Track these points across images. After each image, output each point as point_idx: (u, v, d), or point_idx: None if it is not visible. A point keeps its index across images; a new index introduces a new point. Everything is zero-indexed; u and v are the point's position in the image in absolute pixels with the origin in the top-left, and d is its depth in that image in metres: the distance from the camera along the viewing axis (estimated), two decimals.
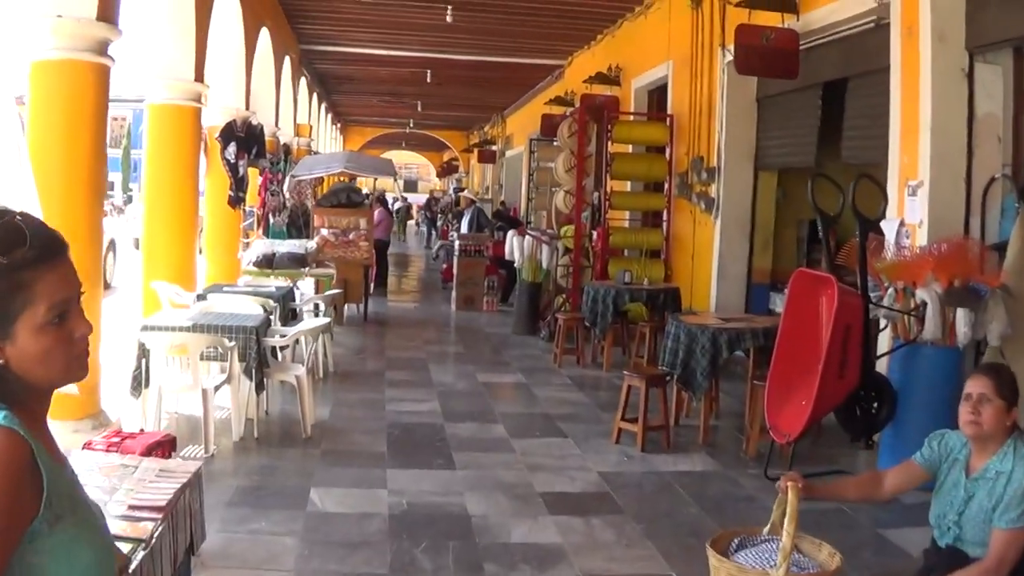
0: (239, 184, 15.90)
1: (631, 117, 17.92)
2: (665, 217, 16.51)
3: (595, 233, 16.40)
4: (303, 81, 26.45)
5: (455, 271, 19.93)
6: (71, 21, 8.16)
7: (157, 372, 8.43)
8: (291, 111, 23.83)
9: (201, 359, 8.52)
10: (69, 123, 8.27)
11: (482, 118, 42.10)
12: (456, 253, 19.93)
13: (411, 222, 54.17)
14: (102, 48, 8.53)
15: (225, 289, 11.80)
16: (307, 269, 14.74)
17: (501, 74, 27.89)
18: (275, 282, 13.20)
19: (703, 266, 14.85)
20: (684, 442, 9.47)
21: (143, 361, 8.49)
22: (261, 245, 14.97)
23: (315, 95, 30.54)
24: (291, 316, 12.16)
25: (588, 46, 22.58)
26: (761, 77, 12.62)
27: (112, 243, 22.19)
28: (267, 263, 14.29)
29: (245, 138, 16.08)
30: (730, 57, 13.64)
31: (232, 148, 15.75)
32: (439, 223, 38.05)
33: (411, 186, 78.90)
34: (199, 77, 12.45)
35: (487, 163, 42.24)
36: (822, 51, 12.12)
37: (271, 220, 19.19)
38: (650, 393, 9.09)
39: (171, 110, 12.21)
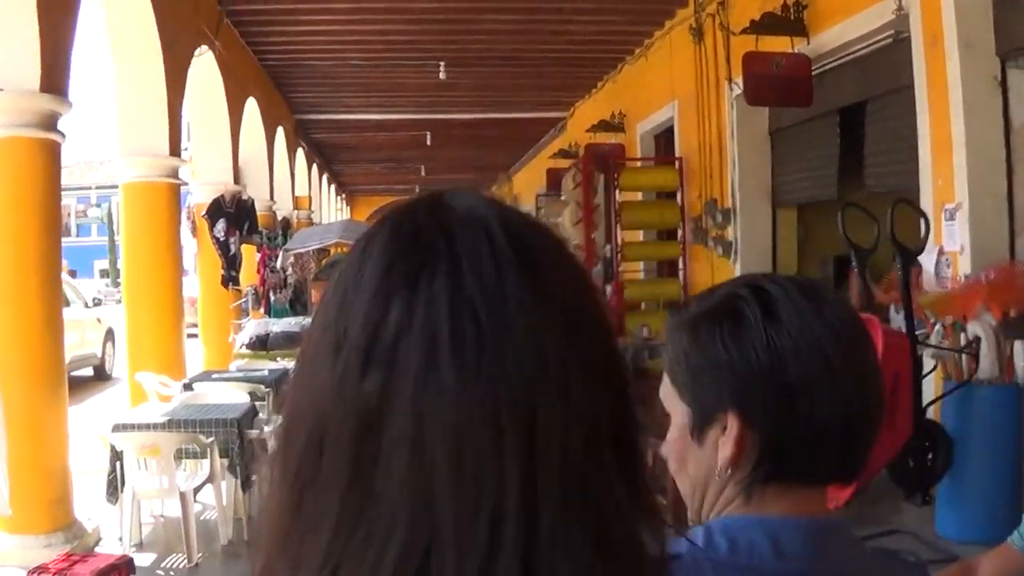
0: (231, 263, 15.16)
1: (638, 163, 17.15)
2: (681, 265, 15.67)
3: (608, 288, 15.58)
4: (300, 152, 25.73)
5: None
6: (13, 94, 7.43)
7: (131, 475, 7.60)
8: (288, 184, 23.13)
9: (181, 457, 7.71)
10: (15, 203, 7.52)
11: (488, 179, 41.34)
12: None
13: None
14: (49, 123, 7.76)
15: (214, 376, 10.97)
16: None
17: (502, 131, 27.12)
18: (270, 364, 12.34)
19: None
20: None
21: (116, 464, 7.68)
22: (254, 326, 14.07)
23: (314, 166, 29.82)
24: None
25: (590, 94, 21.82)
26: (773, 107, 11.79)
27: (110, 332, 21.52)
28: (261, 344, 13.37)
29: (235, 214, 15.36)
30: (738, 90, 12.96)
31: (221, 225, 15.03)
32: None
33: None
34: (174, 151, 11.71)
35: None
36: (836, 74, 11.35)
37: (272, 298, 18.43)
38: None
39: (145, 188, 11.46)
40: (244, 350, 13.46)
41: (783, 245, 13.65)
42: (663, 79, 16.13)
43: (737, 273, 13.24)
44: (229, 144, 15.71)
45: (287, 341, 13.16)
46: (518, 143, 29.86)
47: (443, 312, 0.81)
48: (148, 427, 7.73)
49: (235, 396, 9.20)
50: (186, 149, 14.37)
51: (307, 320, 13.86)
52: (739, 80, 13.02)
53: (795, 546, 1.36)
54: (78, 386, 18.42)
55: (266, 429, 8.68)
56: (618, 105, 19.17)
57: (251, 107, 17.80)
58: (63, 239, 8.29)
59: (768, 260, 13.57)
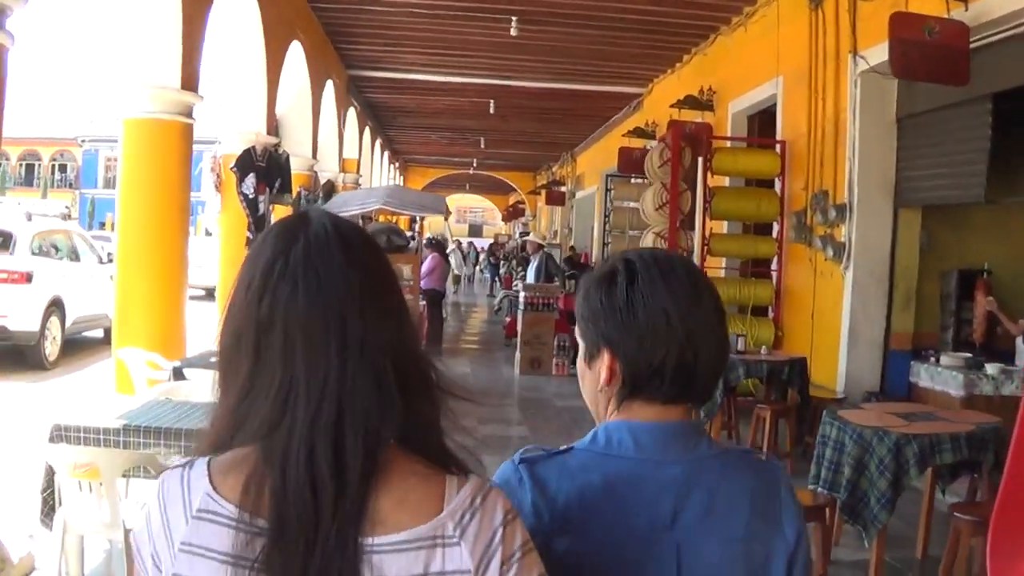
0: (259, 223, 13.24)
1: (734, 144, 14.94)
2: (774, 266, 13.57)
3: None
4: (352, 112, 23.83)
5: (519, 327, 17.05)
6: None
7: (65, 501, 5.61)
8: (335, 144, 21.19)
9: (129, 476, 5.72)
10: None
11: (550, 157, 39.37)
12: (521, 306, 17.12)
13: (477, 268, 51.51)
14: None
15: (214, 359, 8.93)
16: None
17: (572, 104, 25.23)
18: None
19: (827, 328, 11.90)
20: None
21: (53, 479, 5.74)
22: None
23: (367, 129, 27.93)
24: None
25: (673, 69, 19.80)
26: (922, 81, 9.61)
27: None
28: None
29: (266, 168, 13.47)
30: (864, 65, 10.94)
31: (251, 180, 13.13)
32: (502, 270, 35.32)
33: (476, 231, 77.08)
34: (188, 84, 9.76)
35: (555, 205, 39.18)
36: (996, 52, 9.32)
37: None
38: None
39: (150, 126, 9.61)
40: None
41: (903, 251, 11.58)
42: (766, 51, 14.10)
43: (848, 281, 11.51)
44: (265, 89, 13.81)
45: None
46: (586, 120, 27.88)
47: (300, 267, 1.60)
48: (90, 436, 5.65)
49: None
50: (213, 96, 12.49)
51: None
52: (866, 53, 11.07)
53: (649, 442, 1.93)
54: (82, 349, 16.60)
55: None
56: (708, 80, 17.11)
57: (295, 53, 15.92)
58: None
59: (885, 267, 11.57)
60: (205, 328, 12.78)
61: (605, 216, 19.37)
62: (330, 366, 1.53)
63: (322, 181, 19.18)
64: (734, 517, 1.92)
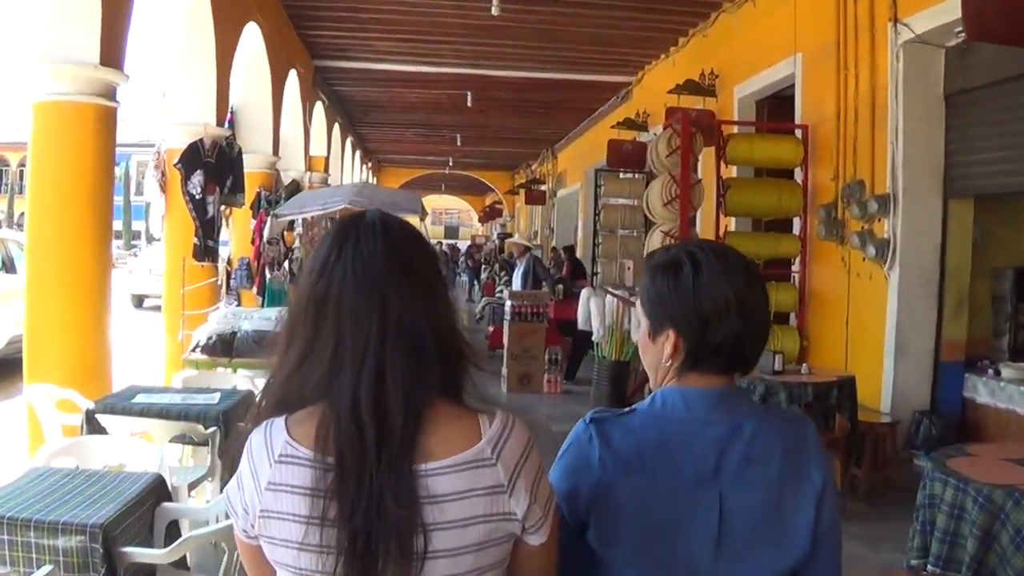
0: (207, 227, 11.58)
1: (746, 130, 13.27)
2: (797, 266, 11.96)
3: None
4: (319, 106, 22.11)
5: (506, 340, 15.35)
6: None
7: None
8: (300, 140, 19.50)
9: None
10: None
11: (530, 154, 37.79)
12: (507, 316, 15.45)
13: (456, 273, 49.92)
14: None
15: (140, 397, 7.14)
16: None
17: (555, 96, 23.58)
18: (233, 377, 8.54)
19: (867, 338, 10.36)
20: None
21: None
22: (218, 318, 10.08)
23: (336, 126, 26.13)
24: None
25: (667, 54, 18.23)
26: (1002, 44, 8.00)
27: None
28: (223, 347, 9.37)
29: (216, 165, 11.77)
30: (907, 34, 9.46)
31: (198, 179, 11.48)
32: (483, 275, 33.76)
33: (452, 232, 75.95)
34: (109, 60, 8.09)
35: (535, 204, 37.54)
36: None
37: (268, 276, 14.83)
38: None
39: (64, 110, 7.97)
40: (198, 355, 9.47)
41: (955, 249, 10.08)
42: (780, 27, 12.55)
43: (894, 283, 10.05)
44: (215, 75, 12.06)
45: (260, 346, 9.16)
46: (570, 113, 26.34)
47: (350, 255, 1.96)
48: None
49: (141, 453, 5.54)
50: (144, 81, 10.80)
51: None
52: (909, 21, 9.56)
53: (699, 404, 2.22)
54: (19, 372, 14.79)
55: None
56: (708, 64, 15.52)
57: (252, 37, 14.29)
58: None
59: (935, 266, 10.10)
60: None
61: (595, 214, 17.78)
62: (371, 336, 1.92)
63: (287, 181, 17.58)
64: (769, 465, 2.23)
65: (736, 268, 2.22)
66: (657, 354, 2.29)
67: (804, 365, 9.09)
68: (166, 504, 4.82)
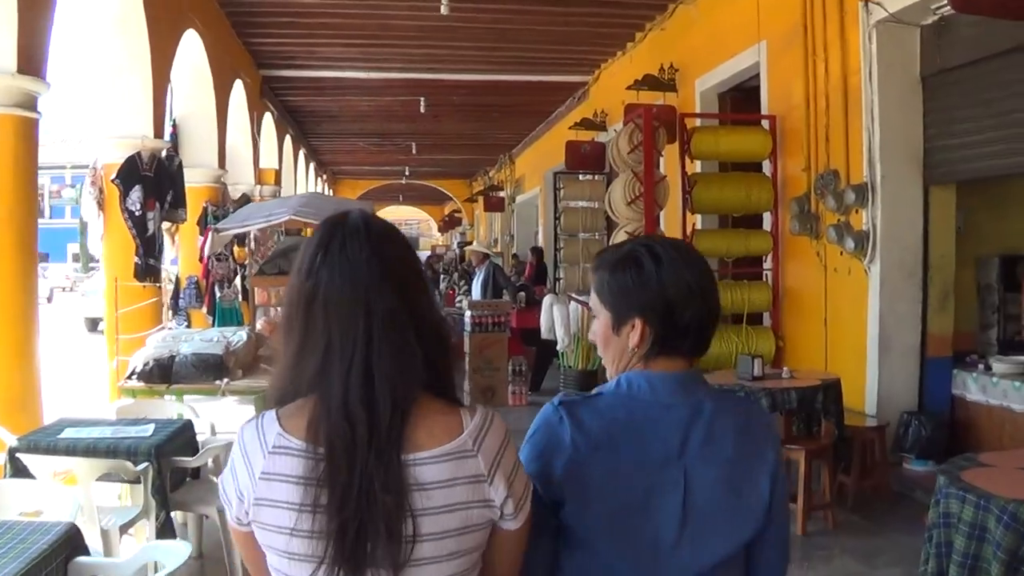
0: (148, 245, 10.96)
1: (710, 123, 12.82)
2: (769, 264, 11.45)
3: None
4: (268, 118, 21.46)
5: (467, 351, 14.70)
6: None
7: None
8: (249, 153, 18.86)
9: None
10: None
11: (487, 161, 37.24)
12: (467, 328, 14.85)
13: None
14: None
15: (67, 431, 6.48)
16: (225, 382, 8.66)
17: (510, 99, 23.12)
18: (174, 406, 7.85)
19: (848, 336, 9.89)
20: None
21: None
22: (155, 342, 9.39)
23: (288, 138, 25.47)
24: (189, 477, 7.07)
25: (624, 50, 17.75)
26: (988, 16, 7.51)
27: None
28: (160, 373, 8.59)
29: (155, 179, 11.15)
30: (880, 13, 9.08)
31: (136, 194, 10.90)
32: (442, 285, 33.23)
33: (412, 243, 75.45)
34: (29, 68, 7.51)
35: (495, 211, 37.08)
36: None
37: (217, 294, 14.21)
38: None
39: None
40: (134, 382, 8.72)
41: (937, 238, 9.65)
42: (742, 15, 12.09)
43: (874, 277, 9.57)
44: (150, 85, 11.40)
45: (201, 370, 8.56)
46: (526, 116, 25.86)
47: (336, 255, 2.05)
48: None
49: (61, 500, 4.93)
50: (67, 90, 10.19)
51: (237, 334, 9.41)
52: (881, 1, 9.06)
53: (663, 386, 2.34)
54: None
55: None
56: (667, 58, 15.02)
57: (192, 45, 13.65)
58: None
59: (918, 258, 9.64)
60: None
61: (556, 218, 17.30)
62: (358, 331, 2.02)
63: (236, 195, 16.95)
64: (726, 443, 2.36)
65: (693, 257, 2.41)
66: (622, 344, 2.40)
67: (785, 369, 8.56)
68: (79, 559, 4.22)
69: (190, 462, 6.69)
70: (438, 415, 2.07)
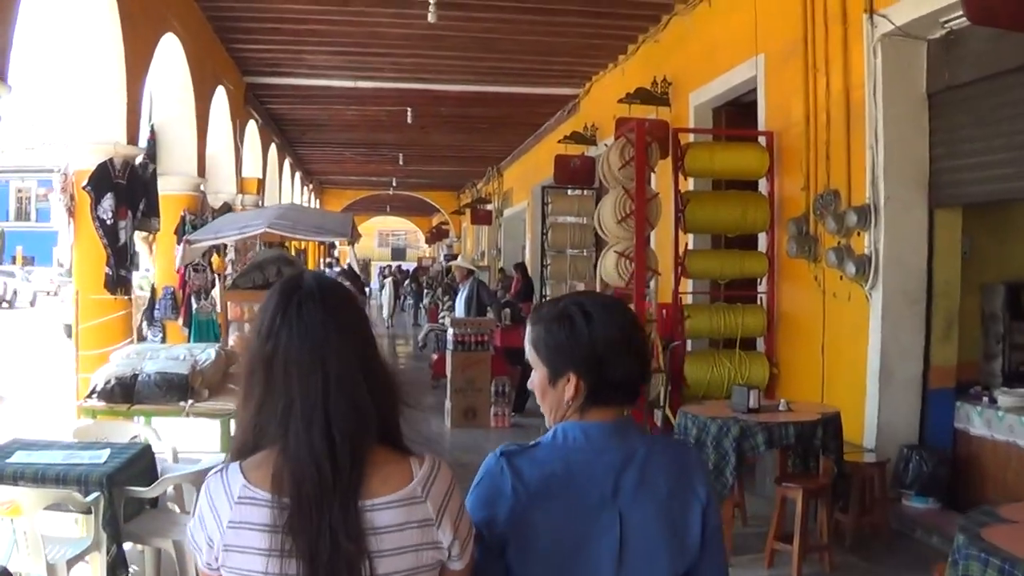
0: (119, 255, 10.61)
1: (704, 138, 12.45)
2: (764, 287, 11.09)
3: (663, 314, 11.02)
4: (252, 125, 21.07)
5: (449, 372, 14.27)
6: None
7: None
8: (231, 161, 18.47)
9: None
10: None
11: (475, 173, 36.99)
12: (450, 346, 14.40)
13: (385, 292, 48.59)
14: None
15: (18, 455, 6.04)
16: (190, 403, 8.24)
17: (498, 111, 22.88)
18: (134, 427, 7.42)
19: (846, 364, 9.49)
20: None
21: None
22: (119, 358, 8.92)
23: (273, 146, 25.12)
24: (148, 505, 6.61)
25: (616, 63, 17.45)
26: (1008, 30, 7.14)
27: None
28: (122, 392, 8.17)
29: (128, 187, 10.79)
30: (886, 26, 8.76)
31: (108, 203, 10.60)
32: (426, 300, 32.85)
33: (398, 254, 75.39)
34: None
35: (482, 224, 36.79)
36: None
37: (194, 305, 13.80)
38: None
39: None
40: (95, 401, 8.31)
41: (942, 263, 9.24)
42: (739, 27, 11.77)
43: (876, 303, 9.15)
44: (123, 89, 10.98)
45: (164, 390, 8.08)
46: (514, 128, 25.65)
47: (294, 318, 2.18)
48: None
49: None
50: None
51: (205, 351, 8.97)
52: (888, 11, 8.80)
53: (597, 436, 2.47)
54: None
55: None
56: (660, 71, 14.69)
57: (172, 49, 13.27)
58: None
59: (922, 284, 9.23)
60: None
61: (543, 233, 16.96)
62: (316, 390, 2.15)
63: (217, 204, 16.60)
64: (659, 483, 2.50)
65: (621, 313, 2.57)
66: (558, 396, 2.52)
67: (782, 400, 8.13)
68: None
69: (145, 492, 6.23)
70: (391, 464, 2.22)
